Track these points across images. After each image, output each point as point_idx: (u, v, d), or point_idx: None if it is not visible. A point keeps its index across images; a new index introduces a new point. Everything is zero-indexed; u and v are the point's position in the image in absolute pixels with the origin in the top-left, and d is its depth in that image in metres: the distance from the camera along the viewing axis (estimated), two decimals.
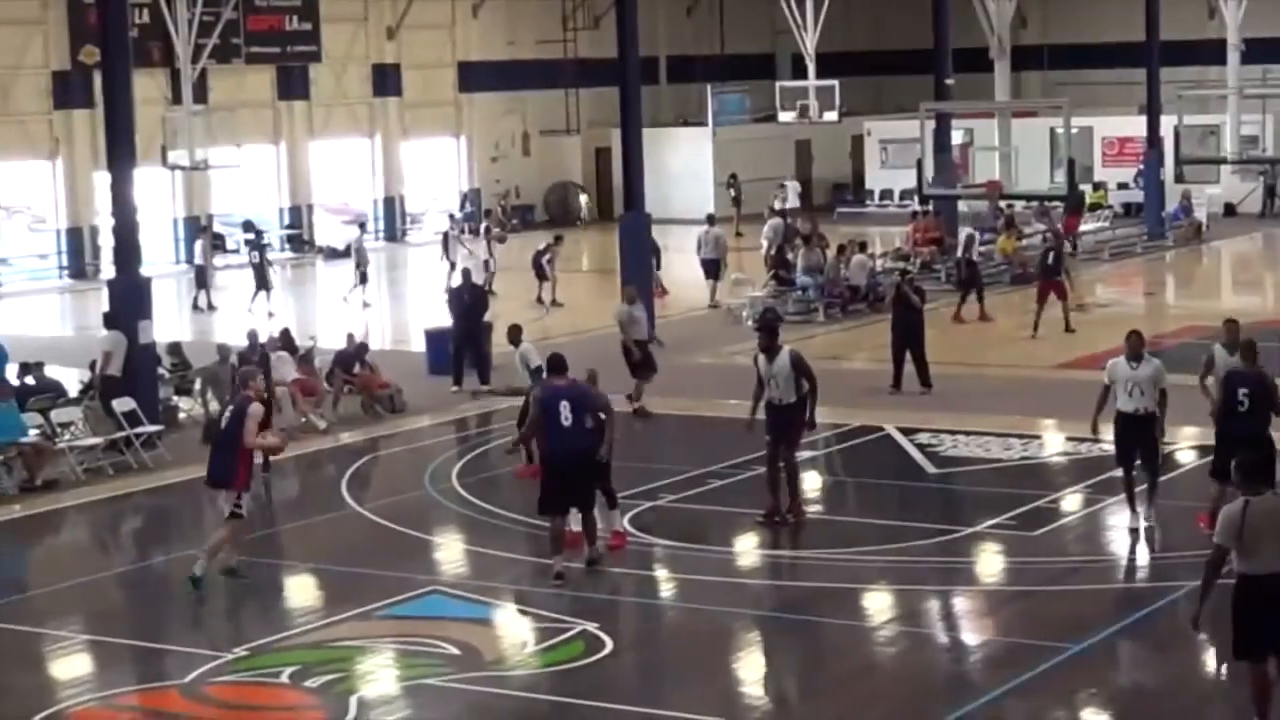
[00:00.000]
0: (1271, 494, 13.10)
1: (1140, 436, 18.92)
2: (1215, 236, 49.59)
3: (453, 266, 40.38)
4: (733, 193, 55.22)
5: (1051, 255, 33.88)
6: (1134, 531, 18.97)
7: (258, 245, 41.71)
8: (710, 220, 41.13)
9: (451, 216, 49.21)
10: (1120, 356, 19.00)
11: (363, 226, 49.66)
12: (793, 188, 54.17)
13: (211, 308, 40.87)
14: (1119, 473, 19.32)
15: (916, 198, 46.46)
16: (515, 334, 23.61)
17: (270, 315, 38.46)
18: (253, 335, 26.54)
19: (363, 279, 41.04)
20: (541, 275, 39.48)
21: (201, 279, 41.41)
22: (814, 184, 62.72)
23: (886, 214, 56.95)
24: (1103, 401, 19.03)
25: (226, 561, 18.32)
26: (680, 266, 42.66)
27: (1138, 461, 19.06)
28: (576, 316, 36.29)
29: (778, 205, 50.49)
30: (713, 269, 38.69)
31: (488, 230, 44.73)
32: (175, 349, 28.90)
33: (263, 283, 40.15)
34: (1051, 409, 25.51)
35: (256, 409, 18.18)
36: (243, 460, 18.11)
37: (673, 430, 25.54)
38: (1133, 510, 19.15)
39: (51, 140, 47.31)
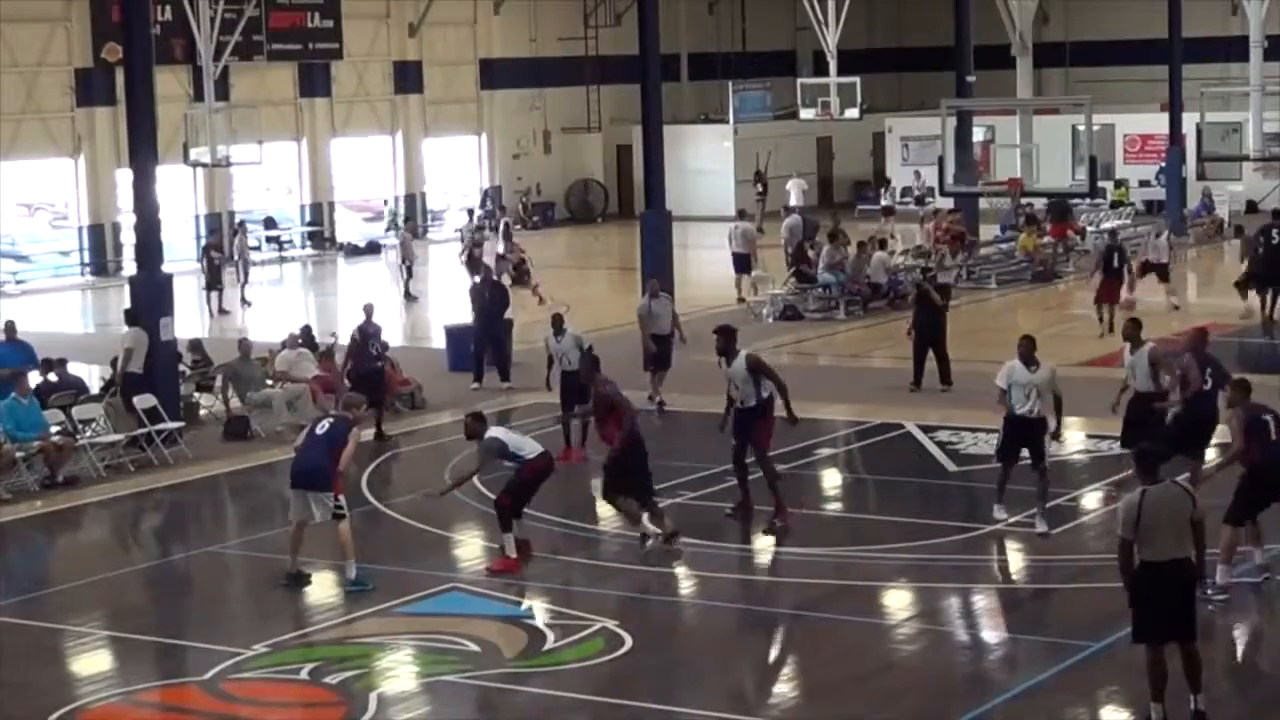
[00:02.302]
0: (1170, 481, 13.32)
1: (1029, 439, 19.46)
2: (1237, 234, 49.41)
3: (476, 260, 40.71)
4: (758, 190, 55.19)
5: (1116, 256, 33.18)
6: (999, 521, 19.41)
7: (215, 244, 41.97)
8: (741, 214, 41.20)
9: (471, 213, 49.31)
10: (1016, 360, 19.44)
11: (407, 222, 49.92)
12: (796, 185, 54.17)
13: (246, 303, 41.04)
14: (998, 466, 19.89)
15: (915, 196, 46.73)
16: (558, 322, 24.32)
17: (223, 312, 39.44)
18: (369, 309, 26.68)
19: (408, 272, 41.40)
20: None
21: (243, 274, 41.62)
22: (835, 181, 62.76)
23: (907, 211, 56.84)
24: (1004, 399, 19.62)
25: (291, 569, 18.32)
26: (704, 264, 42.80)
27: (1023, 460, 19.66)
28: (596, 313, 36.26)
29: (793, 202, 50.99)
30: (742, 263, 38.60)
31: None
32: (196, 345, 28.96)
33: (215, 282, 40.38)
34: (1071, 407, 25.32)
35: (357, 434, 18.50)
36: (337, 470, 18.14)
37: (692, 427, 25.48)
38: (1000, 501, 19.63)
39: (74, 137, 47.42)
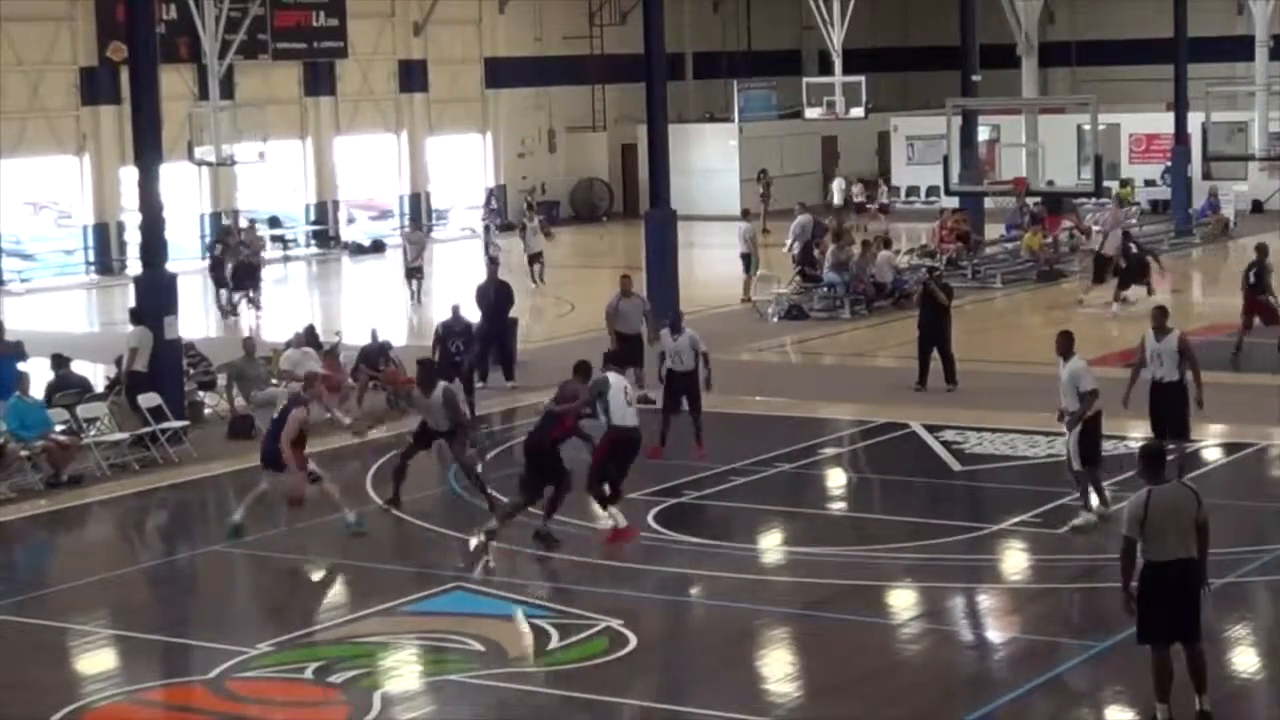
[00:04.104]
0: (1177, 482, 13.34)
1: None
2: (1242, 233, 49.39)
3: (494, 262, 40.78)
4: (761, 189, 55.23)
5: (1254, 271, 29.71)
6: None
7: (235, 245, 41.92)
8: (745, 214, 41.34)
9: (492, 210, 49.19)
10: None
11: (416, 221, 50.01)
12: (838, 185, 54.14)
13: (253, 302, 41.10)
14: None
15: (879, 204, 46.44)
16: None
17: (234, 315, 39.31)
18: (455, 308, 27.15)
19: (411, 275, 41.33)
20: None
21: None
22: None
23: (912, 210, 56.91)
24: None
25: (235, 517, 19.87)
26: (709, 263, 42.79)
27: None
28: (600, 312, 36.25)
29: (837, 200, 51.28)
30: (744, 263, 38.73)
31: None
32: (189, 346, 28.82)
33: (227, 281, 40.38)
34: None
35: (299, 414, 19.59)
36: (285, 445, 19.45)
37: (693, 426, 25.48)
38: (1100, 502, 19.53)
39: (79, 136, 47.44)
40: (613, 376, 19.45)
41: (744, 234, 39.11)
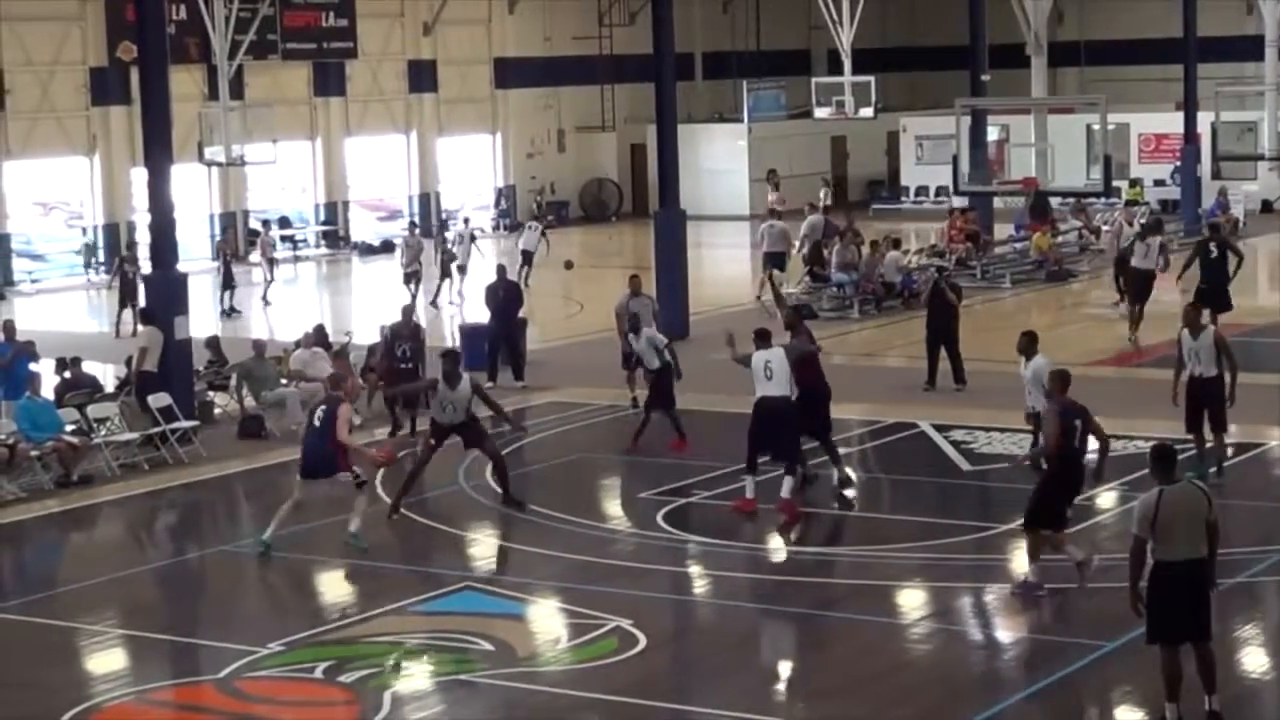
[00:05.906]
0: (1187, 481, 13.43)
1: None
2: (1252, 233, 49.29)
3: (459, 271, 40.73)
4: (771, 189, 55.15)
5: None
6: None
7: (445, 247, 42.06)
8: (775, 214, 41.24)
9: (466, 221, 48.90)
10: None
11: (414, 226, 49.89)
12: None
13: (266, 302, 41.12)
14: None
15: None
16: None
17: (236, 311, 39.44)
18: (405, 310, 27.27)
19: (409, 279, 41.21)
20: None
21: (269, 273, 41.79)
22: (849, 180, 62.71)
23: (922, 210, 56.86)
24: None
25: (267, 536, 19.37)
26: (718, 263, 42.71)
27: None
28: (609, 312, 36.24)
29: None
30: (778, 262, 38.38)
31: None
32: (214, 344, 28.92)
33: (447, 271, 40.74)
34: (1086, 405, 25.33)
35: (346, 410, 19.43)
36: (340, 452, 19.14)
37: (706, 427, 25.46)
38: None
39: (89, 136, 47.49)
40: (757, 354, 20.59)
41: (782, 233, 38.49)
